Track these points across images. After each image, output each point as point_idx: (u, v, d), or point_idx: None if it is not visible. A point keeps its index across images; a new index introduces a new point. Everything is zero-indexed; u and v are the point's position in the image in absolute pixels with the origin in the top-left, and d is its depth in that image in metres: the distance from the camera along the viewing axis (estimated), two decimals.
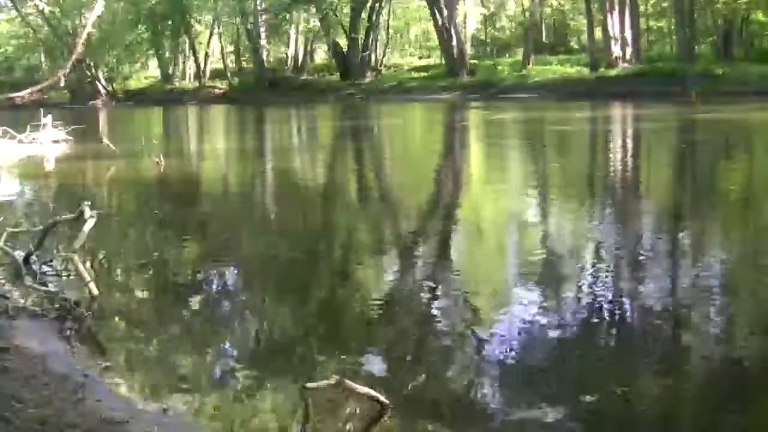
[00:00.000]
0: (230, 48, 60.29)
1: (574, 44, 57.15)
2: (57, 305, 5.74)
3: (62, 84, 37.32)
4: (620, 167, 14.37)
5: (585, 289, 6.15)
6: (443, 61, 49.46)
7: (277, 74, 53.82)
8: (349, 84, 48.16)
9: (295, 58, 56.72)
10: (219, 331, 5.48)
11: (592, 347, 5.00)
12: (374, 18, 51.05)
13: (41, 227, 7.40)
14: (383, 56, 54.42)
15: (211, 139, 25.26)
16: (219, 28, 56.35)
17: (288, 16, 52.52)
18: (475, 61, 50.03)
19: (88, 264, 6.71)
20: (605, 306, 5.72)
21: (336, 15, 51.26)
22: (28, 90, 29.98)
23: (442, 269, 7.00)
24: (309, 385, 3.97)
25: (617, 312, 5.59)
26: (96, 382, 4.35)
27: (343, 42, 51.91)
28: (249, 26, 52.53)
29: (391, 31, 56.46)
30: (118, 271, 7.14)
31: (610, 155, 16.38)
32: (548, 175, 13.66)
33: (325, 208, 11.10)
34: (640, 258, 7.08)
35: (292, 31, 55.89)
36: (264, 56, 53.47)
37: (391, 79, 48.96)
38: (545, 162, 15.67)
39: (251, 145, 22.37)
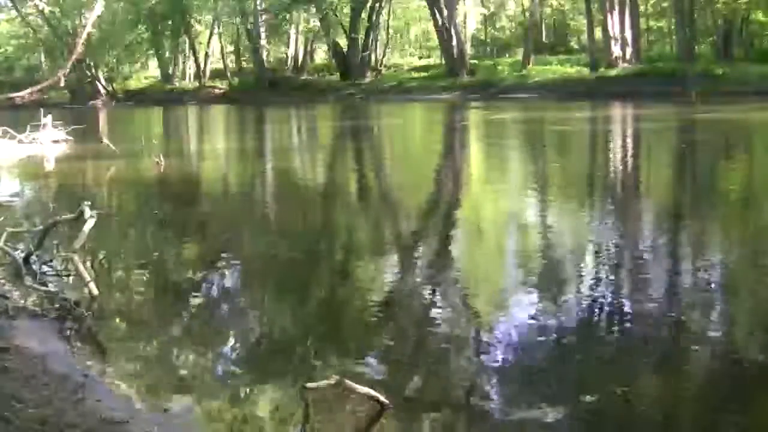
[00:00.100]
0: (230, 48, 60.31)
1: (574, 44, 57.15)
2: (57, 305, 5.74)
3: (62, 84, 37.32)
4: (620, 167, 14.36)
5: (585, 289, 6.15)
6: (443, 61, 49.46)
7: (277, 74, 53.82)
8: (349, 84, 48.16)
9: (295, 58, 56.73)
10: (219, 331, 5.48)
11: (592, 347, 5.00)
12: (374, 18, 51.05)
13: (41, 227, 7.40)
14: (383, 56, 54.43)
15: (211, 139, 25.25)
16: (219, 28, 56.36)
17: (288, 16, 52.53)
18: (475, 61, 50.04)
19: (88, 264, 6.71)
20: (605, 306, 5.72)
21: (336, 15, 51.26)
22: (28, 90, 29.99)
23: (442, 269, 7.00)
24: (309, 385, 3.97)
25: (617, 312, 5.59)
26: (96, 382, 4.35)
27: (343, 42, 51.92)
28: (249, 26, 52.54)
29: (391, 31, 56.47)
30: (118, 271, 7.14)
31: (610, 155, 16.38)
32: (548, 175, 13.66)
33: (325, 208, 11.10)
34: (640, 258, 7.07)
35: (292, 31, 55.89)
36: (264, 56, 53.48)
37: (391, 79, 48.97)
38: (545, 162, 15.67)
39: (251, 145, 22.37)
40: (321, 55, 61.60)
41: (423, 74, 49.58)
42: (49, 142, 20.09)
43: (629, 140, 19.93)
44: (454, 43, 46.89)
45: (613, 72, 39.91)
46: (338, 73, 51.81)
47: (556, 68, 44.41)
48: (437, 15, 47.11)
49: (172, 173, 14.55)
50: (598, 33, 44.44)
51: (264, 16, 52.76)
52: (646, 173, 14.20)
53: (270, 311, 6.02)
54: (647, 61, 42.49)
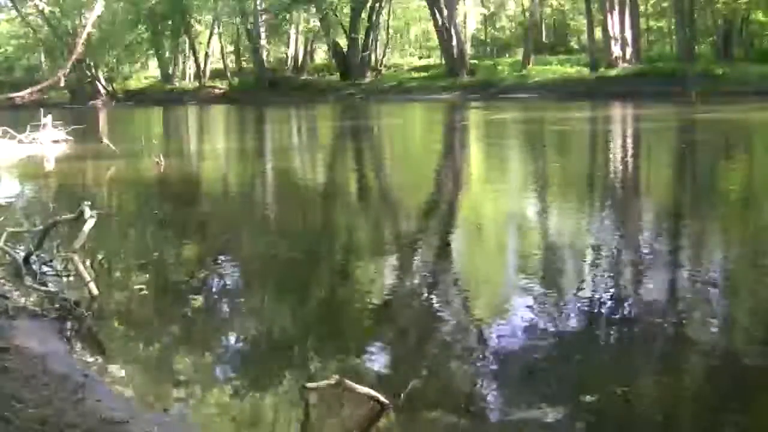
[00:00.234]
0: (230, 48, 60.31)
1: (574, 44, 57.15)
2: (57, 305, 5.74)
3: (62, 84, 37.33)
4: (620, 167, 14.36)
5: (585, 289, 6.15)
6: (443, 61, 49.46)
7: (277, 74, 53.83)
8: (349, 84, 48.16)
9: (295, 58, 56.73)
10: (219, 331, 5.48)
11: (592, 347, 5.00)
12: (374, 18, 51.05)
13: (41, 227, 7.40)
14: (383, 56, 54.43)
15: (211, 139, 25.27)
16: (219, 28, 56.36)
17: (288, 16, 52.53)
18: (475, 61, 50.04)
19: (88, 264, 6.71)
20: (605, 306, 5.72)
21: (336, 15, 51.26)
22: (28, 90, 30.00)
23: (441, 269, 7.00)
24: (309, 385, 3.98)
25: (617, 312, 5.58)
26: (96, 382, 4.35)
27: (343, 42, 51.92)
28: (249, 26, 52.54)
29: (391, 31, 56.47)
30: (118, 271, 7.13)
31: (610, 155, 16.37)
32: (548, 175, 13.66)
33: (325, 208, 11.10)
34: (640, 258, 7.08)
35: (292, 31, 55.90)
36: (264, 56, 53.48)
37: (391, 79, 48.97)
38: (545, 162, 15.66)
39: (251, 145, 22.37)
40: (321, 55, 61.61)
41: (423, 74, 49.58)
42: (49, 142, 20.09)
43: (629, 140, 19.92)
44: (454, 43, 46.89)
45: (613, 72, 39.91)
46: (338, 73, 51.81)
47: (556, 68, 44.41)
48: (437, 15, 47.11)
49: (172, 173, 14.55)
50: (598, 33, 44.44)
51: (264, 16, 52.76)
52: (646, 173, 14.20)
53: (270, 311, 6.02)
54: (647, 61, 42.49)
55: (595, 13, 45.49)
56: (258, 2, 51.63)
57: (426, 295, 6.20)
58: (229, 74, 55.72)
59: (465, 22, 52.51)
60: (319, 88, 48.79)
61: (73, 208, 7.37)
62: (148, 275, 6.98)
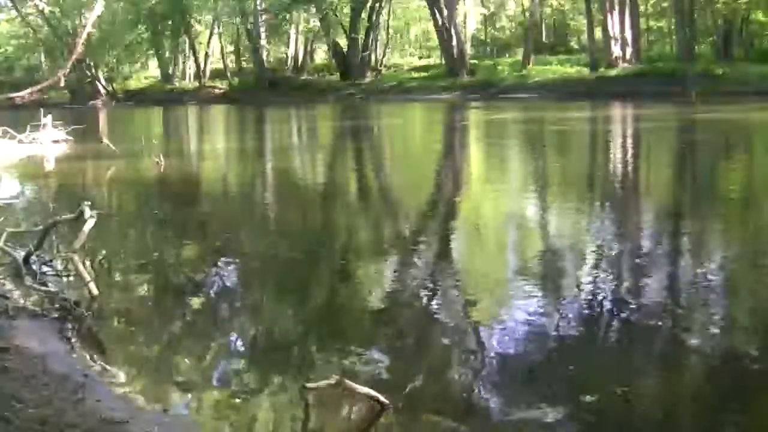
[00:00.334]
0: (230, 48, 60.33)
1: (574, 44, 57.16)
2: (57, 305, 5.74)
3: (62, 84, 37.32)
4: (620, 167, 14.37)
5: (585, 288, 6.15)
6: (443, 61, 49.47)
7: (277, 74, 53.84)
8: (349, 84, 48.18)
9: (295, 58, 56.74)
10: (219, 331, 5.48)
11: (592, 347, 5.00)
12: (374, 18, 51.06)
13: (41, 227, 7.40)
14: (383, 56, 54.44)
15: (211, 139, 25.27)
16: (219, 28, 56.38)
17: (288, 16, 52.54)
18: (475, 61, 50.04)
19: (88, 264, 6.71)
20: (605, 306, 5.72)
21: (336, 15, 51.27)
22: (28, 90, 29.99)
23: (442, 269, 7.00)
24: (309, 385, 3.98)
25: (617, 312, 5.58)
26: (96, 382, 4.35)
27: (343, 42, 51.93)
28: (249, 26, 52.56)
29: (391, 31, 56.48)
30: (118, 271, 7.13)
31: (610, 155, 16.38)
32: (548, 175, 13.66)
33: (325, 208, 11.10)
34: (640, 257, 7.08)
35: (292, 31, 55.91)
36: (264, 56, 53.49)
37: (391, 79, 48.97)
38: (545, 162, 15.66)
39: (251, 145, 22.37)
40: (321, 55, 61.62)
41: (423, 74, 49.59)
42: (49, 142, 20.09)
43: (629, 140, 19.92)
44: (454, 43, 46.90)
45: (613, 72, 39.92)
46: (338, 73, 51.82)
47: (556, 68, 44.42)
48: (437, 15, 47.12)
49: (172, 173, 14.55)
50: (598, 33, 44.46)
51: (264, 16, 52.77)
52: (646, 173, 14.20)
53: (270, 311, 6.02)
54: (647, 61, 42.50)
55: (595, 13, 45.49)
56: (258, 2, 51.64)
57: (426, 295, 6.19)
58: (229, 74, 55.73)
59: (465, 22, 52.52)
60: (319, 88, 48.80)
61: (73, 208, 7.37)
62: (148, 275, 6.98)
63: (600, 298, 5.89)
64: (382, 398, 3.95)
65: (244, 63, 58.65)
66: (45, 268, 6.94)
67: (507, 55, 55.24)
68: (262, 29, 53.05)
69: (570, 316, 5.47)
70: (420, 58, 60.87)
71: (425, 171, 15.06)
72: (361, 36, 50.45)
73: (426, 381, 4.37)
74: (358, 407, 3.99)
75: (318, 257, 7.69)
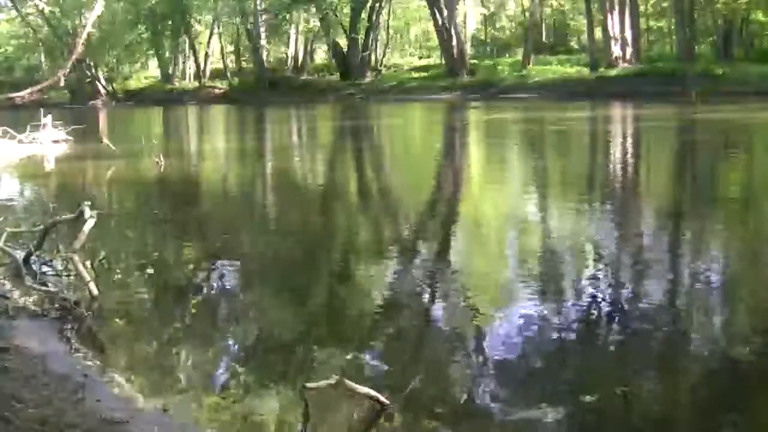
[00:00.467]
0: (230, 48, 60.33)
1: (574, 44, 57.15)
2: (57, 305, 5.74)
3: (62, 84, 37.38)
4: (620, 167, 14.37)
5: (584, 289, 6.15)
6: (443, 61, 49.46)
7: (277, 74, 53.84)
8: (349, 84, 48.18)
9: (295, 58, 56.74)
10: (219, 331, 5.48)
11: (592, 347, 5.00)
12: (374, 18, 51.06)
13: (41, 227, 7.40)
14: (383, 56, 54.45)
15: (211, 139, 25.28)
16: (219, 28, 56.39)
17: (288, 16, 52.54)
18: (475, 61, 50.03)
19: (88, 264, 6.71)
20: (605, 306, 5.72)
21: (336, 15, 51.26)
22: (28, 90, 29.97)
23: (441, 269, 7.00)
24: (309, 385, 3.97)
25: (617, 312, 5.59)
26: (96, 382, 4.35)
27: (343, 42, 51.92)
28: (249, 26, 52.56)
29: (391, 31, 56.48)
30: (118, 271, 7.13)
31: (610, 155, 16.37)
32: (548, 175, 13.66)
33: (325, 208, 11.10)
34: (640, 258, 7.08)
35: (292, 31, 55.90)
36: (264, 56, 53.50)
37: (391, 79, 48.97)
38: (545, 162, 15.67)
39: (251, 145, 22.36)
40: (321, 55, 61.62)
41: (423, 74, 49.59)
42: (49, 142, 20.09)
43: (629, 140, 19.92)
44: (454, 43, 46.90)
45: (613, 72, 39.92)
46: (338, 73, 51.82)
47: (556, 68, 44.42)
48: (437, 15, 47.11)
49: (172, 173, 14.55)
50: (598, 33, 44.46)
51: (264, 16, 52.77)
52: (646, 173, 14.20)
53: (270, 311, 6.02)
54: (647, 61, 42.49)
55: (595, 13, 45.49)
56: (258, 2, 51.64)
57: (426, 295, 6.20)
58: (229, 74, 55.73)
59: (465, 22, 52.52)
60: (319, 88, 48.80)
61: (73, 208, 7.37)
62: (148, 275, 6.97)
63: (600, 298, 5.89)
64: (382, 398, 3.95)
65: (244, 63, 58.65)
66: (45, 268, 6.94)
67: (507, 55, 55.22)
68: (262, 29, 53.05)
69: (570, 316, 5.47)
70: (420, 58, 60.87)
71: (425, 171, 15.06)
72: (361, 36, 50.45)
73: (426, 381, 4.36)
74: (358, 407, 3.99)
75: (318, 257, 7.69)
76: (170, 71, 57.90)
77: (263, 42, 53.31)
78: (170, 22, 55.95)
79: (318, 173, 15.76)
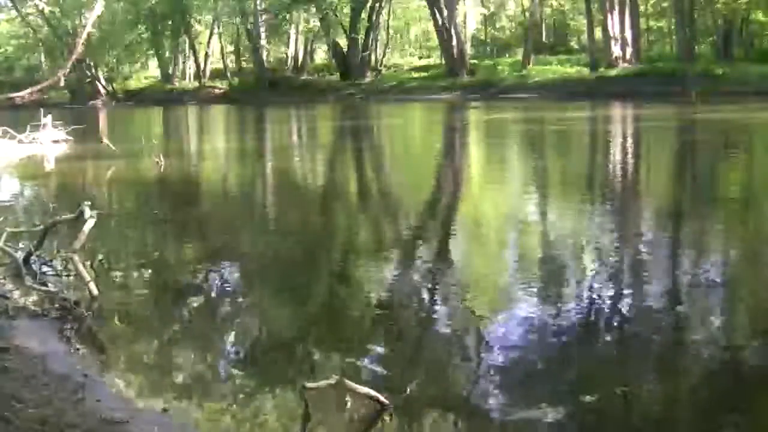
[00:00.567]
0: (230, 48, 60.33)
1: (574, 44, 57.15)
2: (57, 305, 5.74)
3: (62, 84, 37.38)
4: (620, 167, 14.37)
5: (584, 289, 6.16)
6: (443, 61, 49.47)
7: (277, 74, 53.84)
8: (349, 84, 48.18)
9: (295, 58, 56.74)
10: (219, 331, 5.48)
11: (592, 347, 5.00)
12: (374, 18, 51.06)
13: (41, 227, 7.40)
14: (383, 56, 54.45)
15: (211, 139, 25.28)
16: (219, 28, 56.39)
17: (288, 16, 52.54)
18: (475, 61, 50.03)
19: (88, 264, 6.71)
20: (605, 306, 5.72)
21: (336, 15, 51.26)
22: (28, 90, 29.98)
23: (441, 269, 6.99)
24: (309, 385, 3.97)
25: (617, 312, 5.58)
26: (96, 382, 4.35)
27: (343, 42, 51.92)
28: (249, 26, 52.56)
29: (391, 31, 56.48)
30: (118, 271, 7.13)
31: (610, 155, 16.37)
32: (548, 175, 13.66)
33: (325, 208, 11.10)
34: (640, 257, 7.08)
35: (292, 31, 55.91)
36: (264, 56, 53.50)
37: (391, 79, 48.98)
38: (545, 162, 15.67)
39: (251, 145, 22.36)
40: (321, 55, 61.62)
41: (423, 74, 49.59)
42: (49, 142, 20.09)
43: (629, 140, 19.92)
44: (454, 43, 46.90)
45: (613, 72, 39.93)
46: (338, 73, 51.83)
47: (556, 68, 44.43)
48: (437, 15, 47.12)
49: (172, 173, 14.55)
50: (598, 33, 44.46)
51: (264, 16, 52.78)
52: (646, 173, 14.20)
53: (270, 311, 6.02)
54: (647, 61, 42.50)
55: (595, 13, 45.50)
56: (258, 2, 51.65)
57: (426, 295, 6.20)
58: (229, 74, 55.73)
59: (465, 22, 52.52)
60: (319, 88, 48.80)
61: (73, 208, 7.37)
62: (148, 275, 6.98)
63: (599, 298, 5.89)
64: (382, 398, 3.95)
65: (244, 63, 58.65)
66: (45, 268, 6.94)
67: (507, 55, 55.22)
68: (262, 29, 53.06)
69: (570, 316, 5.47)
70: (420, 58, 60.86)
71: (425, 171, 15.06)
72: (361, 36, 50.45)
73: (426, 381, 4.36)
74: (358, 407, 3.99)
75: (318, 257, 7.69)
76: (170, 71, 57.91)
77: (263, 42, 53.31)
78: (170, 22, 55.95)
79: (318, 173, 15.76)
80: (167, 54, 58.49)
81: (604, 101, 32.37)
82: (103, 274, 6.76)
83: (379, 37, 53.16)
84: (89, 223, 6.61)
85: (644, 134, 21.27)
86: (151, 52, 59.76)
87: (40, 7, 51.18)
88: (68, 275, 6.66)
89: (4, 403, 3.84)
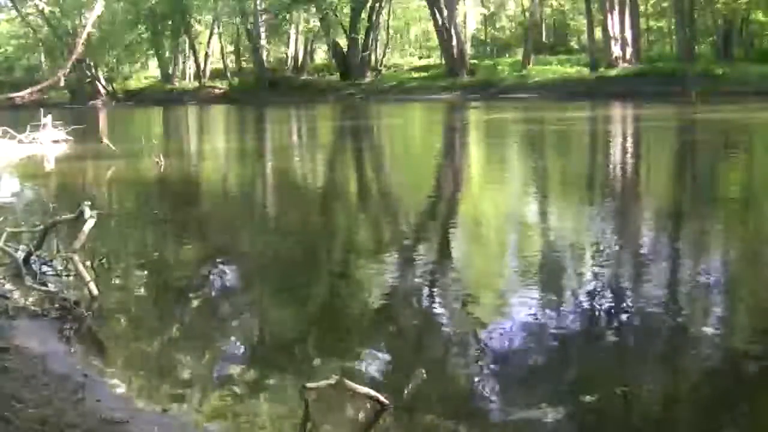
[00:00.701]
0: (230, 48, 60.33)
1: (574, 44, 57.15)
2: (57, 305, 5.74)
3: (62, 84, 37.37)
4: (620, 167, 14.37)
5: (584, 288, 6.15)
6: (443, 61, 49.46)
7: (277, 74, 53.84)
8: (349, 84, 48.18)
9: (295, 58, 56.74)
10: (219, 330, 5.48)
11: (592, 347, 5.00)
12: (374, 18, 51.06)
13: (41, 227, 7.40)
14: (383, 56, 54.44)
15: (211, 139, 25.28)
16: (219, 28, 56.39)
17: (288, 16, 52.53)
18: (475, 61, 50.03)
19: (88, 264, 6.71)
20: (605, 306, 5.72)
21: (336, 15, 51.26)
22: (28, 90, 29.97)
23: (441, 269, 6.99)
24: (309, 385, 3.97)
25: (617, 312, 5.58)
26: (96, 382, 4.35)
27: (343, 42, 51.92)
28: (249, 26, 52.56)
29: (391, 31, 56.47)
30: (118, 271, 7.13)
31: (610, 155, 16.37)
32: (548, 175, 13.66)
33: (325, 207, 11.10)
34: (640, 257, 7.07)
35: (292, 31, 55.90)
36: (264, 56, 53.50)
37: (391, 79, 48.97)
38: (545, 162, 15.67)
39: (251, 145, 22.36)
40: (321, 55, 61.61)
41: (423, 74, 49.58)
42: (49, 142, 20.09)
43: (629, 140, 19.92)
44: (454, 43, 46.90)
45: (613, 72, 39.93)
46: (338, 73, 51.82)
47: (556, 68, 44.43)
48: (437, 15, 47.11)
49: (172, 173, 14.55)
50: (598, 33, 44.46)
51: (264, 16, 52.77)
52: (646, 173, 14.19)
53: (270, 311, 6.02)
54: (647, 61, 42.50)
55: (595, 13, 45.50)
56: (258, 2, 51.64)
57: (426, 295, 6.20)
58: (229, 74, 55.73)
59: (465, 22, 52.52)
60: (319, 88, 48.80)
61: (73, 208, 7.37)
62: (148, 275, 6.98)
63: (600, 298, 5.88)
64: (382, 398, 3.95)
65: (244, 63, 58.65)
66: (45, 268, 6.94)
67: (507, 55, 55.21)
68: (262, 29, 53.05)
69: (570, 316, 5.47)
70: (420, 58, 60.86)
71: (425, 171, 15.06)
72: (361, 36, 50.44)
73: (426, 381, 4.36)
74: (358, 407, 3.99)
75: (318, 257, 7.69)
76: (170, 71, 57.91)
77: (263, 42, 53.31)
78: (170, 22, 55.95)
79: (318, 173, 15.76)
80: (167, 54, 58.48)
81: (604, 101, 32.37)
82: (103, 274, 6.76)
83: (379, 37, 53.15)
84: (89, 223, 6.61)
85: (644, 134, 21.27)
86: (151, 52, 59.76)
87: (40, 7, 51.18)
88: (68, 275, 6.67)
89: (4, 403, 3.84)
